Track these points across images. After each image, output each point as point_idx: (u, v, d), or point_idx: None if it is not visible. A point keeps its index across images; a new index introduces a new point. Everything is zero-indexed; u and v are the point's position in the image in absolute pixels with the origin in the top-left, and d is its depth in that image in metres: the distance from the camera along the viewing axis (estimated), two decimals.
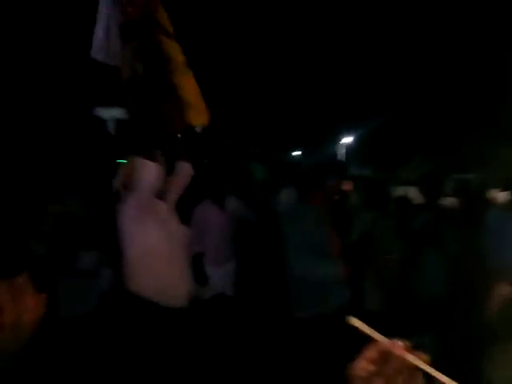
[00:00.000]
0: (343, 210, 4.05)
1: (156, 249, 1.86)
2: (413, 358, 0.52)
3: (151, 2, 2.00)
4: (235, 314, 3.19)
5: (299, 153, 20.96)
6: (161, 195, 2.02)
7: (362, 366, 0.54)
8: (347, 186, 5.46)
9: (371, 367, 0.54)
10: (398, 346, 0.53)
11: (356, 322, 0.56)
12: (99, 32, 1.94)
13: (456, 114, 15.82)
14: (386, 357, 0.53)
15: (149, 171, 1.83)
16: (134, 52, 1.93)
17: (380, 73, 16.47)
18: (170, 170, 2.14)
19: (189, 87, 2.04)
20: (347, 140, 19.99)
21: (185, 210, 3.60)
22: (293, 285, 2.24)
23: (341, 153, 19.89)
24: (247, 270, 3.47)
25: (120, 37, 1.93)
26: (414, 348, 0.54)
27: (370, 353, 0.54)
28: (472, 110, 14.91)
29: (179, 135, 2.20)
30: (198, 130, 2.30)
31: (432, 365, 0.54)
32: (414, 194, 4.57)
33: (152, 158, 1.87)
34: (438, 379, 0.52)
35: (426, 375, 0.55)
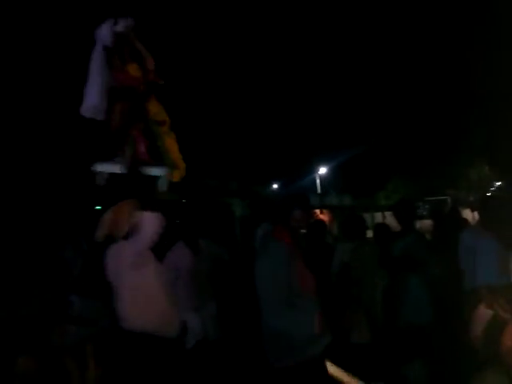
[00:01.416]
0: (321, 241, 4.04)
1: (147, 288, 2.07)
2: None
3: (142, 72, 2.23)
4: (220, 360, 3.08)
5: (276, 186, 21.18)
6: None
7: None
8: (325, 216, 5.51)
9: None
10: None
11: (331, 367, 0.58)
12: (90, 91, 2.10)
13: (426, 138, 16.53)
14: None
15: (152, 222, 2.02)
16: (121, 110, 2.14)
17: (352, 104, 17.21)
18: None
19: (172, 148, 2.33)
20: (322, 170, 20.43)
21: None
22: (266, 334, 2.11)
23: (316, 183, 20.24)
24: (227, 314, 3.37)
25: (109, 97, 2.12)
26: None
27: None
28: (441, 133, 15.64)
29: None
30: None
31: None
32: (391, 219, 4.64)
33: (153, 209, 2.02)
34: None
35: None
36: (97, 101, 2.12)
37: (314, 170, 20.34)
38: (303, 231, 2.31)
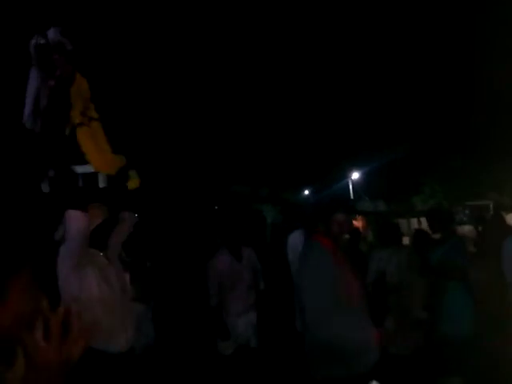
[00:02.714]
0: (356, 249, 3.95)
1: (93, 296, 1.97)
2: None
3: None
4: (259, 366, 3.07)
5: (307, 192, 20.97)
6: (101, 245, 2.15)
7: None
8: (359, 222, 5.36)
9: None
10: None
11: None
12: (28, 102, 2.16)
13: (466, 139, 15.86)
14: None
15: (76, 220, 1.93)
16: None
17: (385, 107, 16.84)
18: (114, 221, 2.28)
19: (84, 142, 2.14)
20: (355, 176, 20.03)
21: (201, 260, 3.57)
22: (312, 345, 2.02)
23: (349, 188, 19.86)
24: (268, 320, 3.36)
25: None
26: None
27: None
28: (480, 135, 14.96)
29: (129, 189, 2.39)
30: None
31: None
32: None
33: (80, 208, 1.95)
34: None
35: None
36: (27, 111, 2.11)
37: (346, 175, 20.00)
38: (346, 237, 2.17)
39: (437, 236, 3.42)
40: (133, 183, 2.33)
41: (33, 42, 2.14)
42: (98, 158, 2.14)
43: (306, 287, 2.03)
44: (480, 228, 5.76)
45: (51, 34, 2.17)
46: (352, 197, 19.30)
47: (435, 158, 17.11)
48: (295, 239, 3.53)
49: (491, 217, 6.18)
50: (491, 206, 12.05)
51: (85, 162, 2.13)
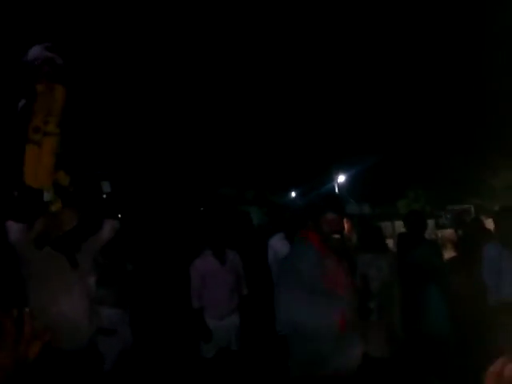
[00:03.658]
0: (345, 249, 3.98)
1: (54, 300, 2.11)
2: None
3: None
4: (240, 369, 3.07)
5: (293, 194, 21.07)
6: (72, 248, 2.25)
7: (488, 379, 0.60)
8: (345, 225, 5.40)
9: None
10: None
11: None
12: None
13: (449, 145, 16.18)
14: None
15: (13, 231, 2.11)
16: None
17: (372, 111, 17.06)
18: (94, 226, 2.41)
19: (28, 160, 2.23)
20: (341, 178, 20.22)
21: (184, 262, 3.55)
22: (290, 338, 2.02)
23: (335, 191, 20.02)
24: (250, 323, 3.36)
25: None
26: None
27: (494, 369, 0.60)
28: (464, 140, 15.29)
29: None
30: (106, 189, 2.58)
31: None
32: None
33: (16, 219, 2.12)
34: None
35: None
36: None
37: (332, 178, 20.17)
38: (337, 236, 2.05)
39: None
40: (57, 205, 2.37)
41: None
42: (31, 172, 2.22)
43: (284, 275, 2.02)
44: (460, 231, 5.90)
45: (36, 51, 2.23)
46: None
47: (419, 162, 17.41)
48: (276, 242, 3.54)
49: (471, 220, 6.31)
50: (472, 209, 12.33)
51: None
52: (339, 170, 19.83)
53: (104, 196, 2.54)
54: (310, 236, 2.07)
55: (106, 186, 2.54)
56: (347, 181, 20.51)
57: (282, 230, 3.58)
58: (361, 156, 17.38)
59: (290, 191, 21.68)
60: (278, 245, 3.49)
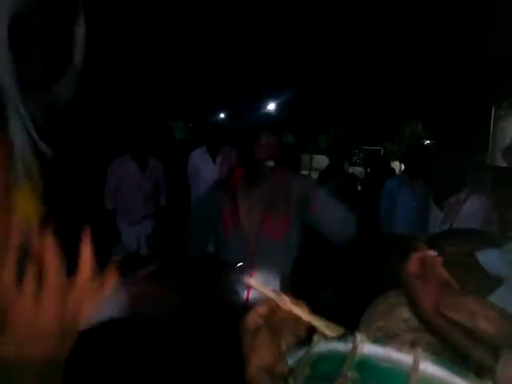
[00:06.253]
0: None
1: None
2: (296, 310, 0.59)
3: None
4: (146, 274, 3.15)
5: (222, 115, 20.67)
6: None
7: (252, 319, 0.60)
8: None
9: (260, 320, 0.60)
10: (284, 300, 0.60)
11: (251, 281, 0.62)
12: None
13: (367, 90, 16.84)
14: (274, 311, 0.60)
15: None
16: None
17: (303, 42, 16.66)
18: None
19: None
20: (271, 107, 20.22)
21: (103, 163, 3.36)
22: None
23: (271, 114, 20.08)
24: (163, 232, 3.40)
25: None
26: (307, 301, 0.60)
27: (260, 308, 0.61)
28: (385, 88, 16.00)
29: None
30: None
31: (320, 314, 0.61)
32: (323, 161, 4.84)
33: None
34: (316, 326, 0.57)
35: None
36: None
37: (263, 105, 20.04)
38: (270, 164, 1.82)
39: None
40: None
41: None
42: None
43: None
44: (368, 170, 6.47)
45: None
46: None
47: (343, 102, 18.05)
48: (197, 155, 3.51)
49: (379, 161, 6.93)
50: (382, 151, 13.46)
51: None
52: (270, 98, 19.71)
53: None
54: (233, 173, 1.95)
55: None
56: (276, 111, 20.59)
57: (205, 143, 3.53)
58: (289, 85, 17.36)
59: (219, 112, 21.16)
60: (198, 157, 3.47)
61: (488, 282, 0.99)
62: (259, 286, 0.60)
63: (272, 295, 0.60)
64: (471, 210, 1.99)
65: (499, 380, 0.68)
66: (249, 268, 1.76)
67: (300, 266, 2.08)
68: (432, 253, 0.79)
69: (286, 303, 0.59)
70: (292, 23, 16.94)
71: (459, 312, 0.70)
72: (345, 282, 3.17)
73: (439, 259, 0.79)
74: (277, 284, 1.70)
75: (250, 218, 1.86)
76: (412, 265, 0.78)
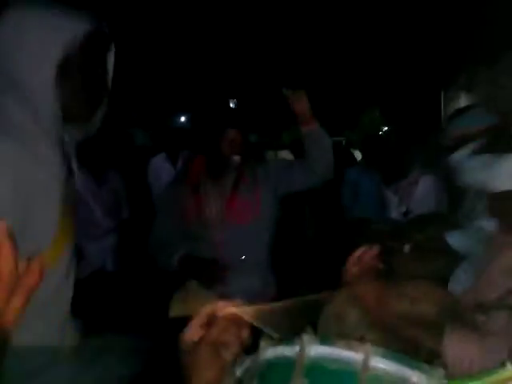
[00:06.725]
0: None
1: None
2: (236, 312, 0.56)
3: None
4: (116, 290, 3.06)
5: (183, 119, 20.42)
6: None
7: (190, 333, 0.57)
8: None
9: (199, 332, 0.56)
10: (222, 305, 0.57)
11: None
12: None
13: (330, 81, 17.11)
14: (211, 319, 0.56)
15: None
16: None
17: (261, 37, 16.72)
18: None
19: None
20: (233, 104, 20.16)
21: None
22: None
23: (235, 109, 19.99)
24: (128, 245, 3.32)
25: None
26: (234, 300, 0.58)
27: (197, 320, 0.57)
28: (347, 76, 16.31)
29: None
30: None
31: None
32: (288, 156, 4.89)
33: None
34: (260, 328, 0.55)
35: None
36: None
37: (225, 104, 19.92)
38: (237, 158, 1.81)
39: None
40: None
41: None
42: None
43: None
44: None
45: None
46: None
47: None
48: (157, 162, 3.46)
49: (341, 150, 7.11)
50: (344, 142, 13.76)
51: None
52: (232, 96, 19.64)
53: None
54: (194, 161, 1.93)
55: None
56: (239, 108, 20.57)
57: (164, 150, 3.47)
58: (253, 83, 17.36)
59: (180, 115, 20.89)
60: (158, 164, 3.41)
61: (457, 261, 1.04)
62: (192, 295, 0.57)
63: (206, 301, 0.57)
64: (424, 191, 2.07)
65: (447, 359, 0.69)
66: (218, 261, 1.76)
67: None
68: (367, 248, 0.81)
69: (224, 308, 0.56)
70: (253, 17, 16.91)
71: (402, 301, 0.72)
72: (312, 268, 3.24)
73: (374, 252, 0.80)
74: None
75: (213, 206, 1.84)
76: (350, 266, 0.79)
